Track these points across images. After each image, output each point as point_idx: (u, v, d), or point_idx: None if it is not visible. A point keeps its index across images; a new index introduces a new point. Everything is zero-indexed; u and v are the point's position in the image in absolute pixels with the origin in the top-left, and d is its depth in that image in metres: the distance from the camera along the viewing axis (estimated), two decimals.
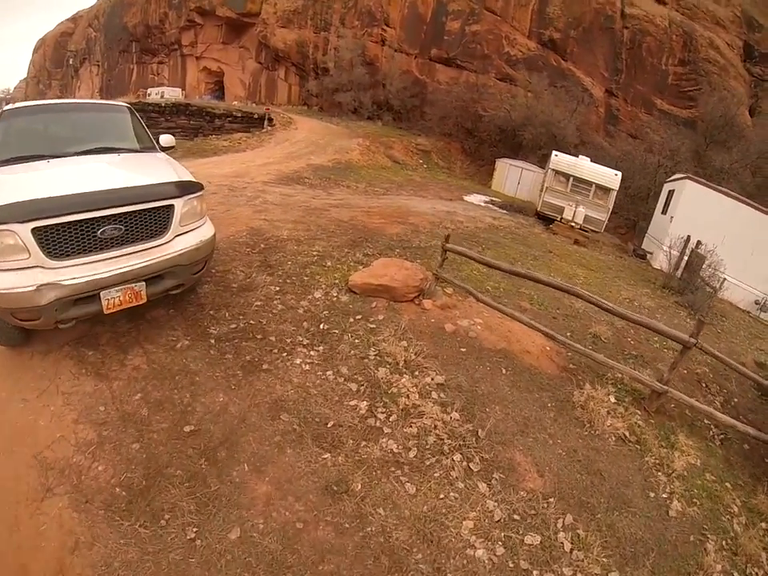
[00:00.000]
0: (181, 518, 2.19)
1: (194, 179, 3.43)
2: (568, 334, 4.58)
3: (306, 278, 4.55)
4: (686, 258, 10.16)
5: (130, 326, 3.40)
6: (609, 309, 3.62)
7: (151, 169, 3.41)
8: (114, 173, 3.21)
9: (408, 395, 3.17)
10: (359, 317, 4.03)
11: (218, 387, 2.98)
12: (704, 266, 9.39)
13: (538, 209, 13.61)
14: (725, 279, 9.59)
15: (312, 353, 3.48)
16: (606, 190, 12.90)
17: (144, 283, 2.86)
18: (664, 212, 13.42)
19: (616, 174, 13.06)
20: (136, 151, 3.71)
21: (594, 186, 12.91)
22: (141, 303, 2.91)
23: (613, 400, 3.59)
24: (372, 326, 3.92)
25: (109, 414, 2.68)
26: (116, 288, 2.72)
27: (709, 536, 2.71)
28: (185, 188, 3.16)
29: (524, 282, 5.55)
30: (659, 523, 2.70)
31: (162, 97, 25.52)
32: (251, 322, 3.71)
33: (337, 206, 8.27)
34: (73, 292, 2.59)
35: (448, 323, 4.18)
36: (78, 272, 2.61)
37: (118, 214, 2.72)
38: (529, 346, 4.16)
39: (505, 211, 13.43)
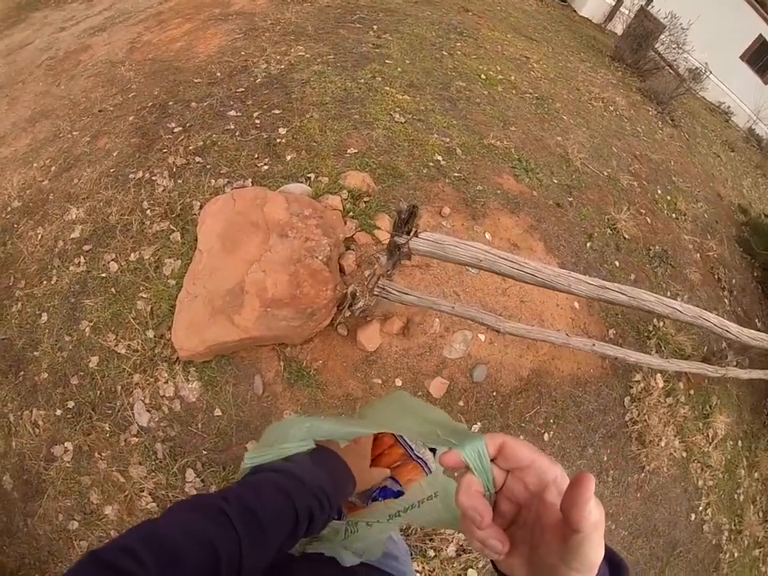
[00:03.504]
0: None
1: None
2: (585, 240, 3.21)
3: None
4: (627, 13, 7.85)
5: None
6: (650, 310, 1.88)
7: None
8: None
9: None
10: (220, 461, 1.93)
11: None
12: (663, 39, 7.19)
13: None
14: (708, 73, 7.27)
15: None
16: None
17: None
18: None
19: None
20: None
21: None
22: None
23: (661, 384, 2.85)
24: None
25: None
26: None
27: (724, 531, 2.85)
28: None
29: (482, 113, 3.63)
30: (696, 546, 2.71)
31: None
32: None
33: (103, 27, 4.61)
34: None
35: (431, 376, 2.20)
36: None
37: None
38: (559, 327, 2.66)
39: None
